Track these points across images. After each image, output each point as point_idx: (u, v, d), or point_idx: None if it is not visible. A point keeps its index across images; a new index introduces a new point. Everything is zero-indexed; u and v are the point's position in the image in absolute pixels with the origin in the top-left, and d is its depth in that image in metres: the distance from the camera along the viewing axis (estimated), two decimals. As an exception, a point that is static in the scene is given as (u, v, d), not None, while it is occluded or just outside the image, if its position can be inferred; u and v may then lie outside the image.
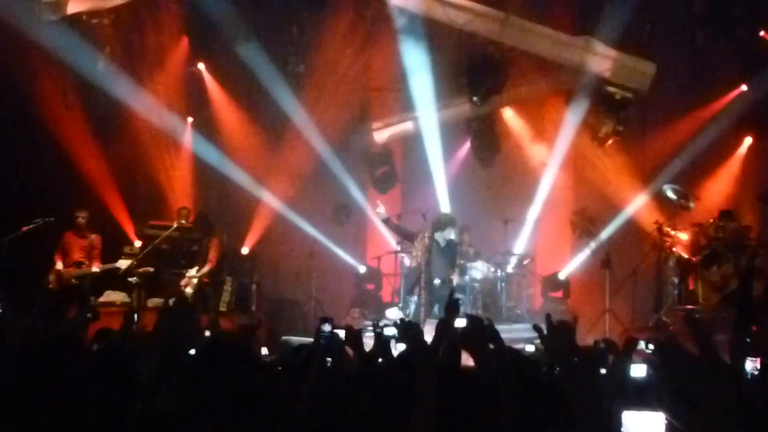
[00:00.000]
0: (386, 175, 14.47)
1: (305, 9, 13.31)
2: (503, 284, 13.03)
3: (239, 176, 13.75)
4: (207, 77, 14.08)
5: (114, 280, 11.29)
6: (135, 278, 11.12)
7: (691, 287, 11.99)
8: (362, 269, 14.15)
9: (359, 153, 14.54)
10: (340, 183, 14.22)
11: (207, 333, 6.99)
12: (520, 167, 14.44)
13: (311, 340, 5.65)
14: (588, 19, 12.66)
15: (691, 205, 12.29)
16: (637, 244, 13.14)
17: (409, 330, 4.42)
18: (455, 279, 10.58)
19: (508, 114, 14.56)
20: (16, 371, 3.37)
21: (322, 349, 4.20)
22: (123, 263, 10.86)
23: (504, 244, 13.49)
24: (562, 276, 13.61)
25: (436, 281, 10.21)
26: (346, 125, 14.45)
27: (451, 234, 10.47)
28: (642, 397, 3.79)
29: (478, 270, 12.55)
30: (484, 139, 14.20)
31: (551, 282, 13.61)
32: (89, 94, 12.51)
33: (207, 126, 13.99)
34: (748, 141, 13.56)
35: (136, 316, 7.42)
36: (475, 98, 13.10)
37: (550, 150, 13.88)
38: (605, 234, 13.48)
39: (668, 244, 12.02)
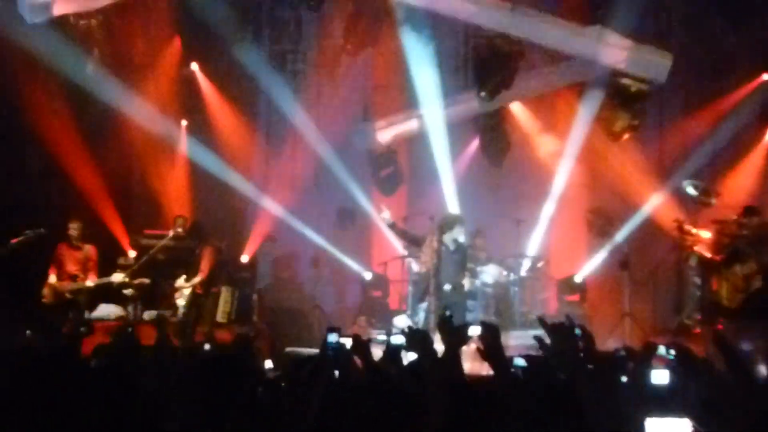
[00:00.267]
0: (391, 176, 14.49)
1: (303, 4, 13.34)
2: (516, 288, 13.04)
3: (237, 181, 13.79)
4: (201, 78, 14.14)
5: (108, 292, 11.34)
6: (130, 290, 11.16)
7: (714, 288, 11.96)
8: (368, 276, 14.16)
9: (362, 154, 14.56)
10: (342, 186, 14.25)
11: (207, 346, 7.01)
12: (532, 165, 14.45)
13: (317, 351, 5.67)
14: (600, 8, 12.64)
15: (713, 201, 12.26)
16: (657, 244, 13.13)
17: (417, 338, 4.43)
18: (466, 284, 10.59)
19: (518, 110, 14.58)
20: (13, 387, 3.40)
21: (329, 360, 4.21)
22: (117, 277, 10.92)
23: (516, 246, 13.50)
24: (578, 278, 13.60)
25: (446, 287, 10.21)
26: (347, 125, 14.50)
27: (459, 234, 10.46)
28: (665, 403, 3.80)
29: (490, 274, 12.57)
30: (493, 136, 14.21)
31: (567, 285, 13.60)
32: (78, 99, 12.54)
33: (202, 129, 14.04)
34: (771, 132, 13.55)
35: (131, 329, 7.42)
36: (482, 94, 13.09)
37: (563, 146, 13.88)
38: (623, 233, 13.47)
39: (689, 242, 11.99)
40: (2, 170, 11.93)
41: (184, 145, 14.07)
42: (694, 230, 12.01)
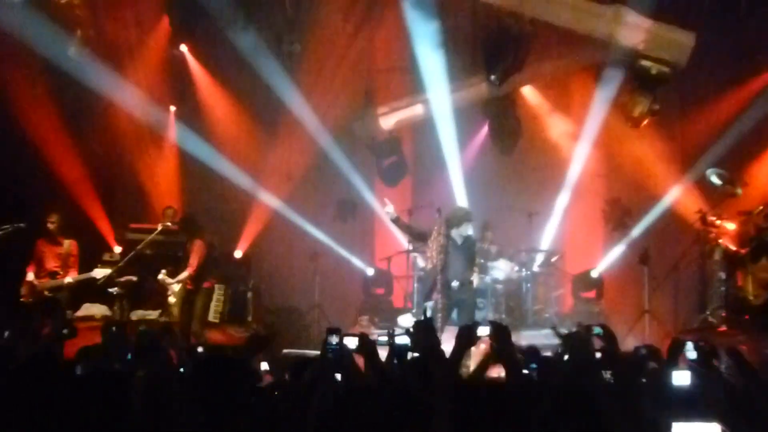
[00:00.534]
0: (394, 166, 14.49)
1: (299, -19, 13.35)
2: (529, 285, 13.04)
3: (230, 171, 13.78)
4: (191, 61, 14.12)
5: (93, 291, 11.31)
6: (116, 289, 11.14)
7: (739, 283, 11.96)
8: (370, 272, 14.17)
9: (364, 142, 14.55)
10: (343, 176, 14.25)
11: (200, 348, 7.01)
12: (545, 154, 14.43)
13: (316, 353, 5.66)
14: (618, -14, 12.64)
15: (739, 191, 12.24)
16: (679, 237, 13.11)
17: (421, 331, 4.40)
18: (475, 280, 10.57)
19: (530, 94, 14.55)
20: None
21: (330, 364, 4.20)
22: (99, 272, 10.83)
23: (529, 240, 13.49)
24: (594, 274, 13.60)
25: (454, 284, 10.20)
26: (348, 111, 14.47)
27: (468, 230, 10.47)
28: (689, 406, 3.80)
29: (501, 270, 12.57)
30: (504, 122, 14.20)
31: (583, 281, 13.60)
32: (60, 83, 12.53)
33: (193, 115, 14.04)
34: (800, 118, 13.52)
35: (114, 328, 7.41)
36: (492, 77, 13.08)
37: (579, 133, 13.86)
38: (642, 226, 13.46)
39: (713, 235, 11.99)
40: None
41: (173, 132, 14.06)
42: (718, 222, 12.00)
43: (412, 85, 14.31)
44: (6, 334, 7.08)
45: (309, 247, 13.88)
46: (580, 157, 13.95)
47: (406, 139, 14.79)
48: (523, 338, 10.74)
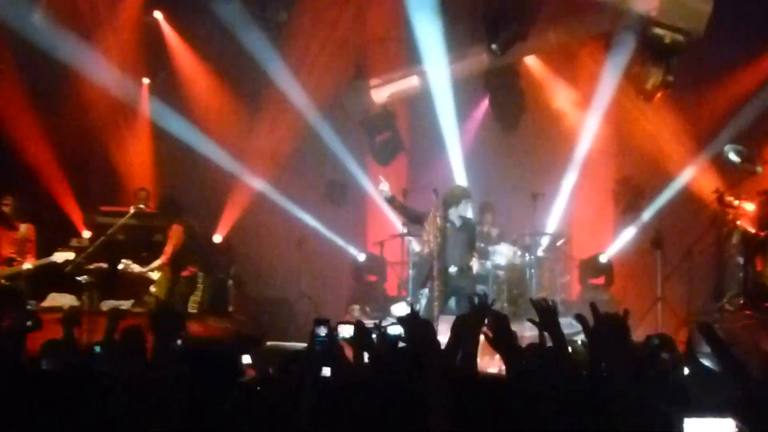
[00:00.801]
0: (388, 142, 14.48)
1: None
2: (533, 271, 13.05)
3: (209, 149, 13.78)
4: (166, 29, 14.08)
5: (60, 280, 11.27)
6: (85, 277, 11.10)
7: (759, 268, 11.99)
8: (362, 257, 14.21)
9: (355, 117, 14.53)
10: (332, 154, 14.26)
11: (178, 342, 7.00)
12: (550, 129, 14.45)
13: (304, 345, 5.68)
14: (629, -53, 12.62)
15: (759, 169, 12.23)
16: (694, 218, 13.13)
17: (417, 328, 4.41)
18: (475, 266, 10.60)
19: (534, 65, 14.55)
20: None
21: (317, 356, 4.22)
22: (60, 256, 10.74)
23: (533, 223, 13.49)
24: (603, 259, 13.64)
25: (452, 269, 10.23)
26: (338, 84, 14.46)
27: (466, 209, 10.48)
28: (702, 400, 3.82)
29: (503, 254, 12.58)
30: (506, 96, 14.21)
31: (591, 266, 13.65)
32: (23, 55, 12.49)
33: (168, 89, 14.01)
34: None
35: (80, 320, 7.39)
36: (494, 47, 13.06)
37: (587, 107, 13.87)
38: (655, 207, 13.49)
39: (731, 216, 12.00)
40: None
41: (147, 107, 14.02)
42: (736, 202, 12.01)
43: (407, 56, 14.30)
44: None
45: (296, 231, 13.90)
46: (588, 133, 13.96)
47: (401, 113, 14.79)
48: (528, 328, 10.74)
